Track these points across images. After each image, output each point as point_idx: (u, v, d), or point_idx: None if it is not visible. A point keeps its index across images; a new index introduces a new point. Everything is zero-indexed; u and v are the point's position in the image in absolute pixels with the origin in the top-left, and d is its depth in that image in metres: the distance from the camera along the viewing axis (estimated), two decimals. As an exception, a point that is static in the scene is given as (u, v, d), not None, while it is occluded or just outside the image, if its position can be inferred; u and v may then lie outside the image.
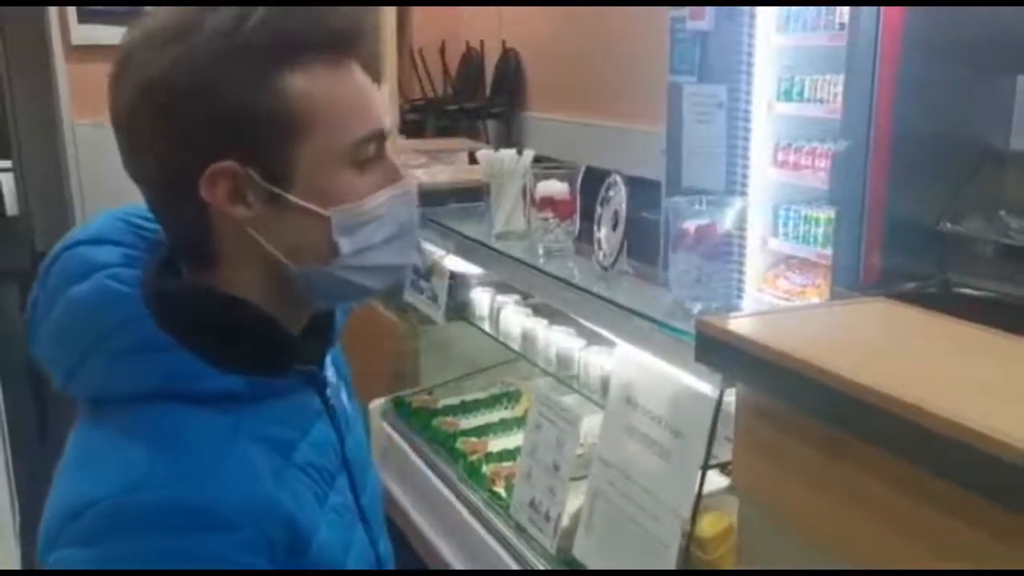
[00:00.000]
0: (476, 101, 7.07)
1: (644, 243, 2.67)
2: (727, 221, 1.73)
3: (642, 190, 4.87)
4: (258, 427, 0.96)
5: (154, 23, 0.94)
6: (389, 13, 5.99)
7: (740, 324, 1.46)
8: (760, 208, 4.07)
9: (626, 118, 5.31)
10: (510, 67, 7.01)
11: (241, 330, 0.97)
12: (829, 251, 3.52)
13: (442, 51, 7.53)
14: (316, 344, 1.09)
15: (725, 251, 1.73)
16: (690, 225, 1.72)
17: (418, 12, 7.52)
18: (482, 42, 7.34)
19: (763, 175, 4.03)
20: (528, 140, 6.71)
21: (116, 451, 0.92)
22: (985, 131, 3.19)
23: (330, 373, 1.11)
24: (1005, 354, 1.31)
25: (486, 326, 2.61)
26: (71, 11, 7.18)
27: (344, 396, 1.15)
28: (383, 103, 1.00)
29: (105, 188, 7.75)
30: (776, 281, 4.06)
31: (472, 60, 7.50)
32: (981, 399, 1.12)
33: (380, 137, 0.99)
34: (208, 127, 0.92)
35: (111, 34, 7.26)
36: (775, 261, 4.13)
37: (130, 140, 0.97)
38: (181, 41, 0.92)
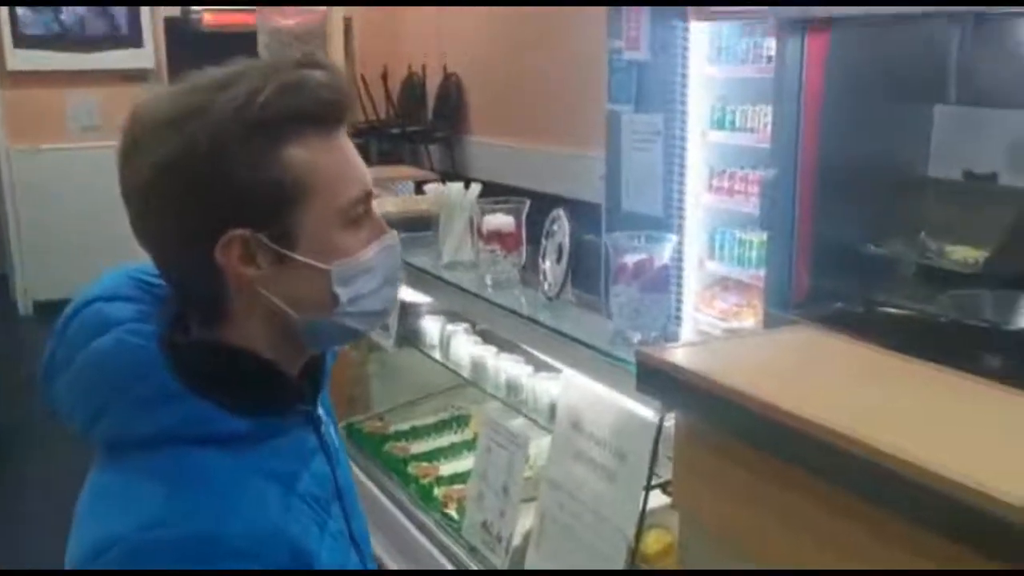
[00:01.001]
0: (418, 125, 7.16)
1: (586, 263, 2.78)
2: (664, 255, 1.84)
3: (583, 213, 5.01)
4: (265, 463, 1.04)
5: (168, 102, 1.03)
6: (337, 40, 6.07)
7: (676, 354, 1.57)
8: (697, 231, 4.25)
9: (567, 144, 5.45)
10: (451, 92, 7.12)
11: (248, 378, 1.06)
12: (762, 272, 3.70)
13: (384, 76, 7.61)
14: (311, 385, 1.17)
15: (662, 283, 1.85)
16: (629, 259, 1.83)
17: (361, 37, 7.59)
18: (424, 66, 7.44)
19: (699, 200, 4.22)
20: (471, 164, 6.82)
21: (136, 491, 0.99)
22: (905, 158, 3.37)
23: (322, 411, 1.20)
24: (917, 380, 1.44)
25: (436, 354, 2.69)
26: (6, 36, 7.11)
27: (332, 431, 1.25)
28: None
29: (41, 212, 7.69)
30: (712, 301, 4.23)
31: (414, 85, 7.60)
32: (893, 423, 1.24)
33: (368, 196, 1.10)
34: (223, 200, 1.01)
35: (47, 60, 7.21)
36: (711, 282, 4.31)
37: (146, 210, 1.04)
38: (196, 120, 1.00)
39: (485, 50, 6.60)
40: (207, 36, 6.86)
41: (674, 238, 1.89)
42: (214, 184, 1.01)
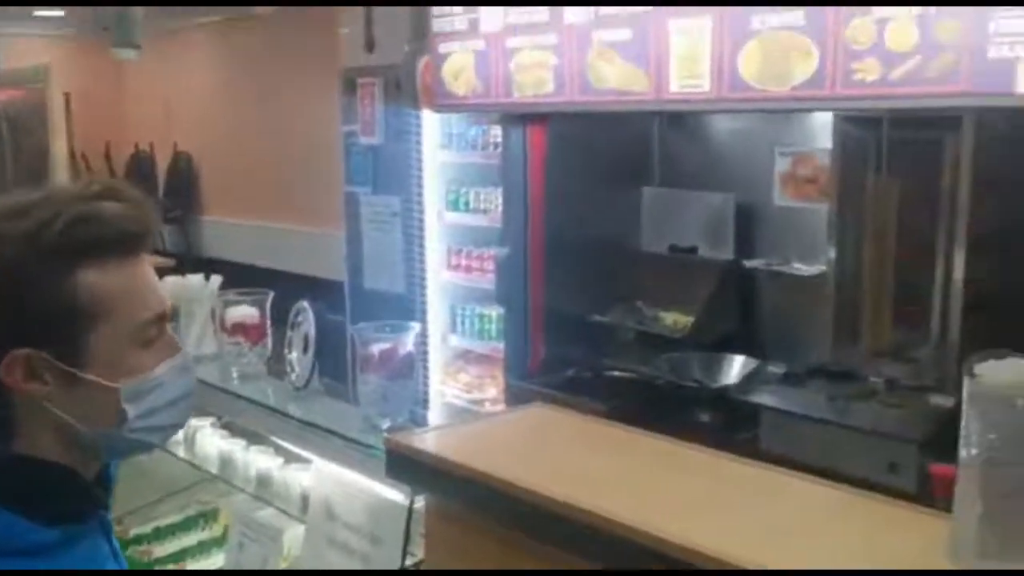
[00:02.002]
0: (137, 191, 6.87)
1: (332, 342, 2.81)
2: (407, 342, 1.94)
3: (326, 291, 5.05)
4: (70, 568, 1.08)
5: None
6: (58, 117, 5.75)
7: (422, 439, 1.67)
8: (438, 308, 4.41)
9: (309, 223, 5.48)
10: (183, 170, 6.93)
11: (47, 488, 1.09)
12: (501, 345, 3.92)
13: (107, 154, 7.29)
14: (103, 492, 1.19)
15: (407, 370, 1.94)
16: (374, 349, 1.91)
17: (80, 114, 7.21)
18: (152, 144, 7.20)
19: (439, 277, 4.39)
20: (208, 244, 6.66)
21: None
22: (621, 234, 3.72)
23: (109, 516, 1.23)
24: (636, 450, 1.62)
25: (180, 451, 2.61)
26: None
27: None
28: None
29: None
30: (457, 375, 4.40)
31: (141, 163, 7.32)
32: (612, 491, 1.40)
33: (162, 317, 1.13)
34: (10, 322, 1.04)
35: None
36: (455, 356, 4.48)
37: None
38: None
39: (219, 129, 6.51)
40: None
41: (417, 326, 2.00)
42: (2, 309, 1.04)
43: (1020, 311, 2.67)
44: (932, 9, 2.02)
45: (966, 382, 1.16)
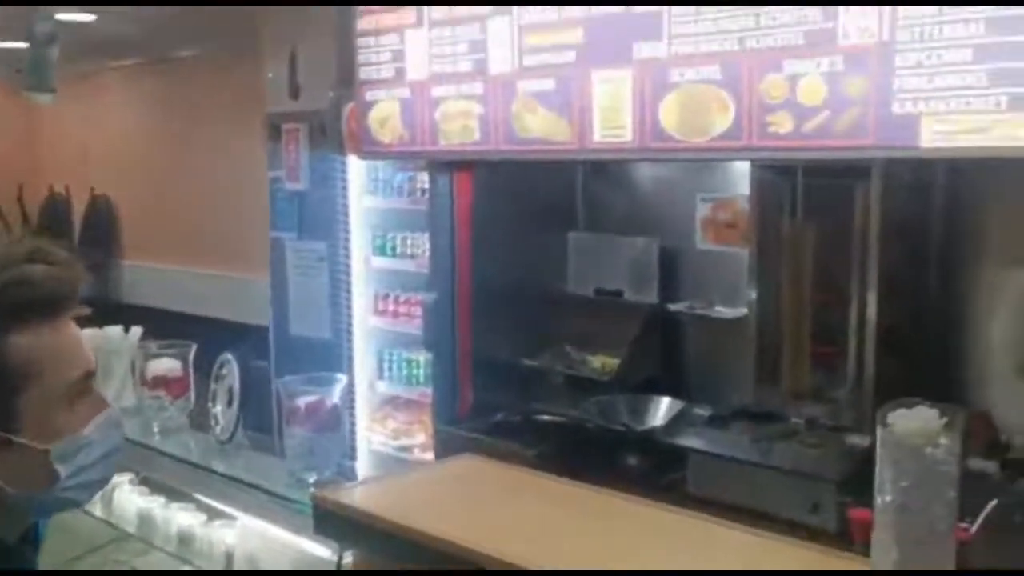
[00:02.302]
0: (63, 250, 6.69)
1: (256, 392, 2.77)
2: (334, 395, 1.93)
3: (251, 337, 4.97)
4: None
5: None
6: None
7: (350, 494, 1.65)
8: (365, 353, 4.38)
9: (233, 268, 5.39)
10: (101, 214, 6.77)
11: None
12: (429, 390, 3.90)
13: (19, 197, 7.09)
14: (32, 550, 1.19)
15: (334, 422, 1.92)
16: (300, 402, 1.89)
17: (-7, 155, 7.03)
18: (67, 187, 7.02)
19: (366, 323, 4.36)
20: (127, 290, 6.49)
21: None
22: (548, 278, 3.75)
23: None
24: (562, 500, 1.63)
25: (97, 509, 2.52)
26: None
27: None
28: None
29: None
30: (384, 421, 4.35)
31: (56, 206, 7.13)
32: (536, 542, 1.41)
33: (89, 375, 1.12)
34: None
35: None
36: (382, 402, 4.44)
37: None
38: None
39: (140, 172, 6.39)
40: None
41: (343, 378, 1.99)
42: None
43: (932, 352, 2.78)
44: (840, 66, 2.11)
45: (879, 431, 1.21)
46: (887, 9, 2.03)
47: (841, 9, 2.10)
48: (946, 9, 1.94)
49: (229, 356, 2.13)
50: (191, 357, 2.31)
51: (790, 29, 2.18)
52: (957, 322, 2.77)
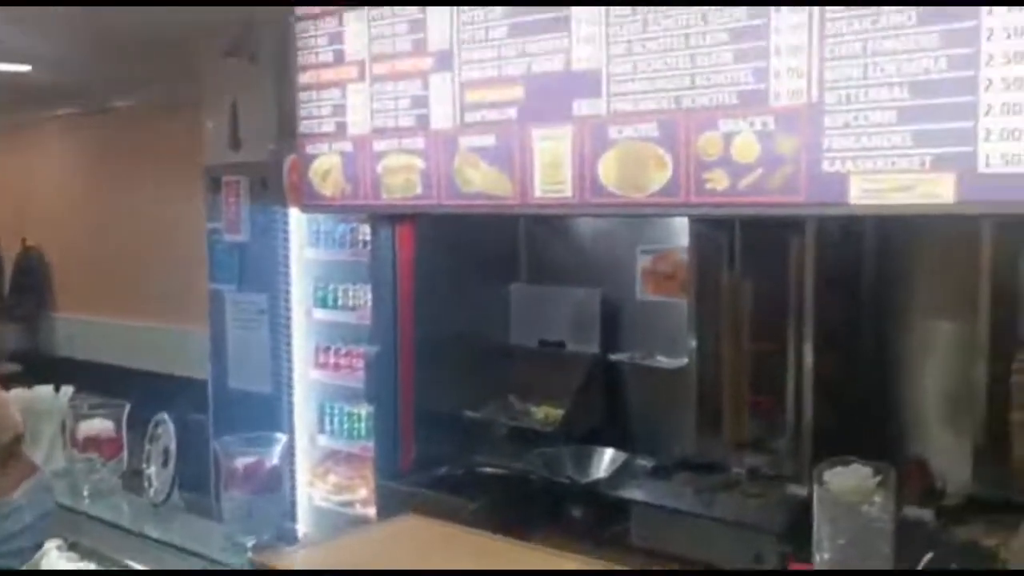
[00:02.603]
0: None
1: (193, 448, 2.70)
2: (274, 455, 1.89)
3: (189, 391, 4.87)
4: None
5: None
6: None
7: (290, 560, 1.62)
8: (306, 407, 4.32)
9: (171, 321, 5.30)
10: (33, 266, 6.62)
11: None
12: (371, 444, 3.85)
13: (-55, 248, 6.91)
14: None
15: (274, 484, 1.89)
16: (239, 463, 1.86)
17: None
18: (-2, 238, 6.86)
19: (307, 376, 4.31)
20: (60, 344, 6.33)
21: None
22: (491, 329, 3.76)
23: None
24: (503, 559, 1.62)
25: (24, 577, 2.42)
26: None
27: None
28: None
29: None
30: (326, 476, 4.28)
31: (-14, 256, 6.96)
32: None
33: (19, 439, 1.09)
34: None
35: None
36: (323, 457, 4.37)
37: None
38: None
39: (74, 224, 6.27)
40: None
41: (283, 437, 1.95)
42: None
43: (868, 400, 2.84)
44: (772, 125, 2.17)
45: (816, 489, 1.23)
46: (815, 71, 2.10)
47: (772, 71, 2.17)
48: (871, 73, 2.02)
49: (164, 416, 2.08)
50: (124, 417, 2.25)
51: (724, 89, 2.24)
52: (892, 371, 2.84)
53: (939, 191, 1.96)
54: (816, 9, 2.08)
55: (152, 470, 2.14)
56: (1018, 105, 1.85)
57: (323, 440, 3.97)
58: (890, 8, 1.99)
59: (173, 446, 2.05)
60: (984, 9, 1.88)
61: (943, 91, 1.94)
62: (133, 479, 2.31)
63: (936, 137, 1.96)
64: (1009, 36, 1.86)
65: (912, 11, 1.97)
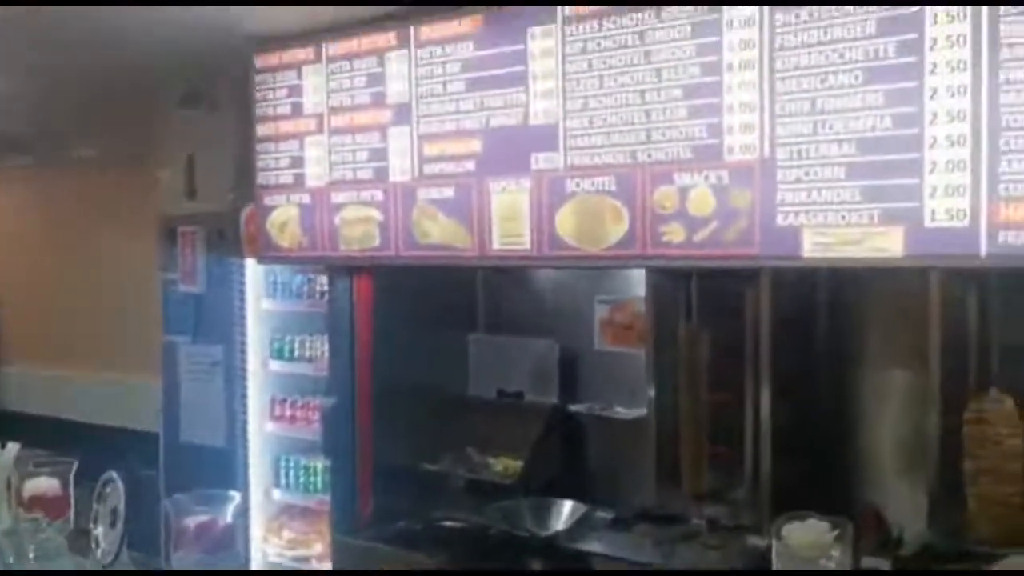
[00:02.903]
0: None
1: (144, 505, 2.63)
2: (227, 514, 1.85)
3: (139, 444, 4.75)
4: None
5: None
6: None
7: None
8: (261, 460, 4.24)
9: (122, 372, 5.19)
10: (-18, 315, 6.46)
11: None
12: (328, 498, 3.79)
13: None
14: None
15: (227, 543, 1.84)
16: (190, 522, 1.81)
17: None
18: (-57, 287, 6.70)
19: (262, 429, 4.24)
20: (6, 396, 6.16)
21: None
22: (449, 380, 3.74)
23: None
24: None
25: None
26: None
27: None
28: None
29: None
30: (281, 531, 4.19)
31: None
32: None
33: None
34: None
35: None
36: (278, 511, 4.27)
37: None
38: None
39: (22, 274, 6.15)
40: None
41: (237, 495, 1.91)
42: None
43: (825, 450, 2.86)
44: (726, 179, 2.21)
45: (774, 544, 1.23)
46: (767, 127, 2.15)
47: (725, 126, 2.21)
48: (820, 130, 2.07)
49: (113, 475, 2.03)
50: (72, 475, 2.19)
51: (679, 144, 2.29)
52: (848, 420, 2.87)
53: (888, 245, 2.01)
54: (767, 67, 2.14)
55: (100, 530, 2.09)
56: (962, 162, 1.91)
57: (278, 494, 3.89)
58: (838, 67, 2.05)
59: (122, 506, 2.00)
60: (927, 68, 1.95)
61: (890, 148, 2.00)
62: (80, 539, 2.25)
63: (884, 192, 2.01)
64: (952, 95, 1.92)
65: (859, 70, 2.03)
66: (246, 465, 3.86)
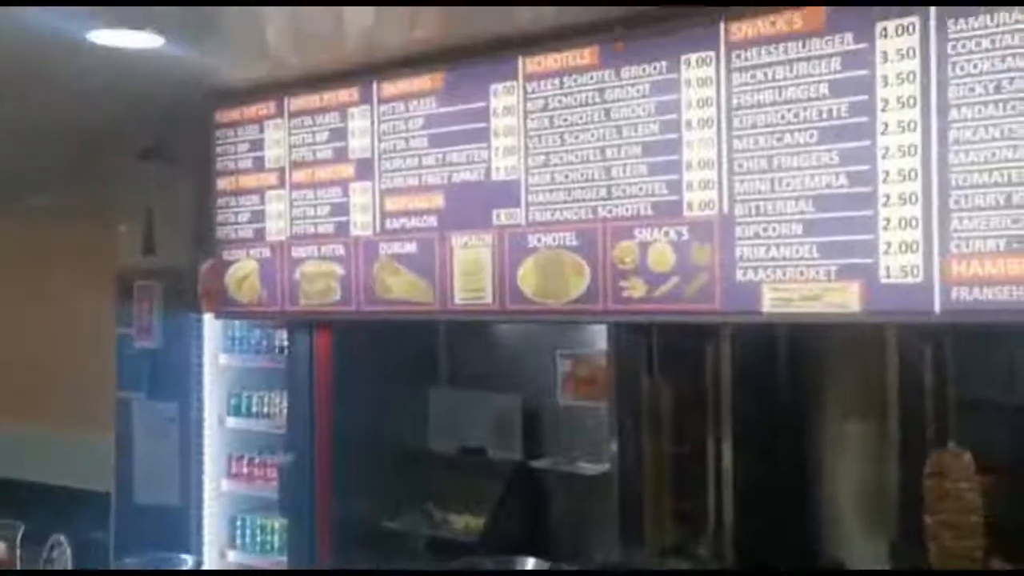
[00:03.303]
0: None
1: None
2: (180, 578, 1.79)
3: (90, 505, 4.61)
4: None
5: None
6: None
7: None
8: (217, 520, 4.13)
9: (72, 430, 5.05)
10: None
11: None
12: (285, 559, 3.69)
13: None
14: None
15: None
16: (142, 587, 1.75)
17: None
18: None
19: (218, 487, 4.14)
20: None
21: None
22: (410, 436, 3.70)
23: None
24: None
25: None
26: None
27: None
28: None
29: None
30: (237, 594, 4.08)
31: None
32: None
33: None
34: None
35: None
36: (234, 573, 4.17)
37: None
38: None
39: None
40: None
41: (190, 559, 1.86)
42: None
43: (787, 503, 2.86)
44: (686, 235, 2.24)
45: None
46: (726, 184, 2.18)
47: (684, 183, 2.24)
48: (777, 187, 2.11)
49: (61, 539, 1.97)
50: (18, 538, 2.12)
51: (639, 200, 2.31)
52: (809, 473, 2.87)
53: (845, 300, 2.03)
54: (725, 125, 2.18)
55: (47, 597, 2.01)
56: (914, 219, 1.95)
57: (234, 556, 3.79)
58: (794, 127, 2.09)
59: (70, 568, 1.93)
60: (879, 128, 2.00)
61: (844, 205, 2.03)
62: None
63: (840, 248, 2.04)
64: (903, 154, 1.97)
65: (814, 129, 2.07)
66: (200, 525, 3.77)
